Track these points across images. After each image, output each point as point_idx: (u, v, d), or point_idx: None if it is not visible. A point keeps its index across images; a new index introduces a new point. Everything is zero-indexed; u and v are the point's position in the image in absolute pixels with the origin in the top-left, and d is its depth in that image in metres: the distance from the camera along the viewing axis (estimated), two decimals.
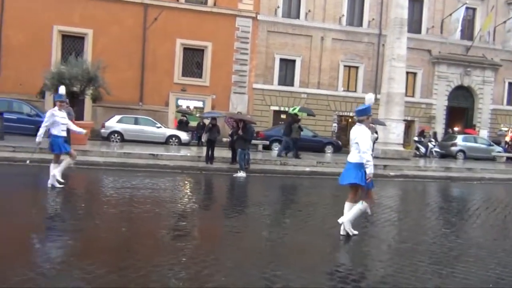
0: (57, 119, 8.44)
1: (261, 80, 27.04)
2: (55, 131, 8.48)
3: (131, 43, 24.86)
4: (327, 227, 6.94)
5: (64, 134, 8.67)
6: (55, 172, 8.48)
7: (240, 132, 13.73)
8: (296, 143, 17.57)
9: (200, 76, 26.37)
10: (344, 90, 28.27)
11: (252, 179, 12.63)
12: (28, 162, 10.33)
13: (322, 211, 8.69)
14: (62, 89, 9.00)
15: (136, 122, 21.02)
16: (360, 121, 6.11)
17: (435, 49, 29.47)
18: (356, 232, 6.20)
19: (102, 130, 20.35)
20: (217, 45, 26.00)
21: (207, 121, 17.96)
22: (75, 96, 17.67)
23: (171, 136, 21.02)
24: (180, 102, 26.18)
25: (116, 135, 20.32)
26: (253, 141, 19.22)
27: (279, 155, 17.36)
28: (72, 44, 24.68)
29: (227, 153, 15.62)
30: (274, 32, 27.03)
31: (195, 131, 22.30)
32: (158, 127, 21.11)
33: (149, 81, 25.28)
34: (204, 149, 15.31)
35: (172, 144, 20.63)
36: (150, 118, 21.72)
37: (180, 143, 20.90)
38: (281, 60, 27.27)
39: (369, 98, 6.30)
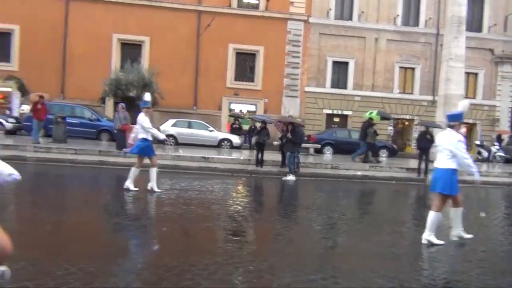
0: (145, 124, 8.72)
1: (313, 83, 26.83)
2: (145, 135, 8.75)
3: (186, 49, 25.55)
4: (372, 232, 6.75)
5: (151, 138, 8.91)
6: (134, 174, 8.73)
7: (289, 135, 13.68)
8: (372, 148, 17.18)
9: (252, 80, 26.61)
10: (399, 92, 27.41)
11: (301, 183, 12.54)
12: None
13: (369, 217, 8.47)
14: (147, 96, 9.20)
15: (190, 126, 21.55)
16: (451, 127, 5.97)
17: (498, 48, 27.82)
18: (441, 243, 5.99)
19: None
20: (269, 48, 26.13)
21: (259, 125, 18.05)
22: (131, 101, 18.40)
23: (223, 140, 21.35)
24: (232, 106, 26.55)
25: (170, 138, 20.93)
26: (304, 145, 19.09)
27: (364, 160, 17.00)
28: (130, 52, 25.72)
29: (278, 157, 15.60)
30: (326, 35, 26.75)
31: (247, 135, 22.49)
32: (210, 131, 21.51)
33: (202, 86, 25.85)
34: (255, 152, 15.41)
35: (224, 148, 20.94)
36: (202, 122, 22.18)
37: (232, 146, 21.16)
38: (334, 62, 26.92)
39: (464, 104, 6.10)
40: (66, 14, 25.11)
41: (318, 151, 21.29)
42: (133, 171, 8.78)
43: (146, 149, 8.78)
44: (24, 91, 23.94)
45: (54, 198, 8.14)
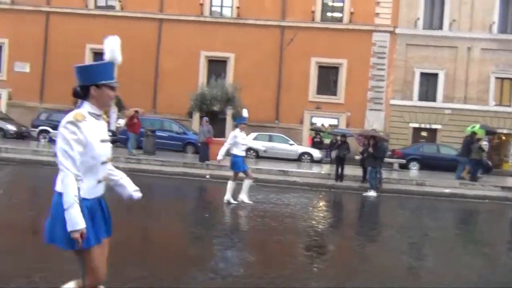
0: (238, 140, 8.82)
1: (399, 95, 25.83)
2: (236, 151, 8.86)
3: (269, 64, 25.97)
4: (457, 254, 6.30)
5: (244, 154, 9.06)
6: (243, 196, 8.81)
7: (370, 149, 13.28)
8: (478, 164, 16.11)
9: (334, 93, 26.28)
10: (496, 105, 25.39)
11: (383, 199, 12.10)
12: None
13: (455, 237, 7.89)
14: (245, 113, 9.41)
15: (270, 139, 21.79)
16: None
17: None
18: None
19: None
20: (352, 61, 25.67)
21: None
22: (215, 115, 19.09)
23: (303, 153, 21.31)
24: (314, 120, 26.39)
25: (251, 151, 21.28)
26: (388, 160, 18.40)
27: (458, 177, 16.05)
28: (216, 68, 26.69)
29: (359, 171, 15.19)
30: (413, 45, 25.65)
31: (328, 149, 22.21)
32: (290, 144, 21.57)
33: (284, 100, 26.05)
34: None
35: (304, 161, 20.86)
36: (283, 135, 22.32)
37: (312, 160, 21.02)
38: (422, 74, 25.68)
39: None
40: (159, 34, 26.83)
41: (403, 167, 20.37)
42: (245, 184, 8.89)
43: (235, 164, 8.88)
44: (120, 106, 25.88)
45: (138, 206, 8.63)
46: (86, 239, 2.44)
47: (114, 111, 26.20)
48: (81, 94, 2.62)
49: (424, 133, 25.93)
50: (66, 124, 2.46)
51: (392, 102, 25.80)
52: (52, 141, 20.55)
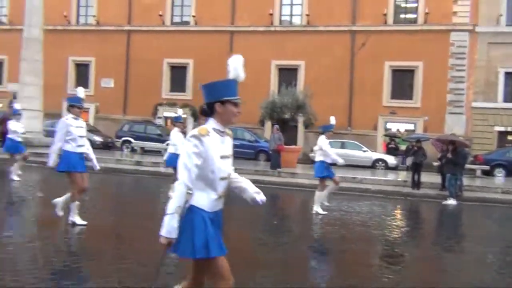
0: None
1: (481, 97, 24.25)
2: (323, 157, 8.87)
3: (340, 70, 25.62)
4: None
5: (329, 160, 8.98)
6: (319, 197, 8.74)
7: (449, 155, 12.64)
8: None
9: (410, 97, 25.30)
10: None
11: (464, 208, 11.49)
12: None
13: None
14: (333, 120, 9.34)
15: (343, 146, 21.44)
16: None
17: None
18: None
19: (311, 154, 21.43)
20: (428, 64, 24.56)
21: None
22: (285, 122, 19.22)
23: (377, 160, 20.73)
24: (389, 125, 25.57)
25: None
26: (470, 166, 17.38)
27: None
28: (287, 76, 26.80)
29: (437, 178, 14.49)
30: (496, 44, 23.98)
31: (404, 155, 21.41)
32: (364, 151, 21.08)
33: (357, 105, 25.52)
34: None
35: (378, 168, 20.29)
36: (356, 142, 21.88)
37: (387, 167, 20.37)
38: (506, 74, 23.93)
39: None
40: (230, 45, 27.55)
41: (487, 174, 19.07)
42: (317, 195, 8.81)
43: (321, 171, 8.81)
44: (196, 117, 26.94)
45: None
46: (208, 249, 2.59)
47: (190, 121, 27.33)
48: (208, 111, 2.76)
49: (511, 137, 24.10)
50: (190, 137, 2.63)
51: (474, 104, 24.28)
52: (133, 150, 21.91)
